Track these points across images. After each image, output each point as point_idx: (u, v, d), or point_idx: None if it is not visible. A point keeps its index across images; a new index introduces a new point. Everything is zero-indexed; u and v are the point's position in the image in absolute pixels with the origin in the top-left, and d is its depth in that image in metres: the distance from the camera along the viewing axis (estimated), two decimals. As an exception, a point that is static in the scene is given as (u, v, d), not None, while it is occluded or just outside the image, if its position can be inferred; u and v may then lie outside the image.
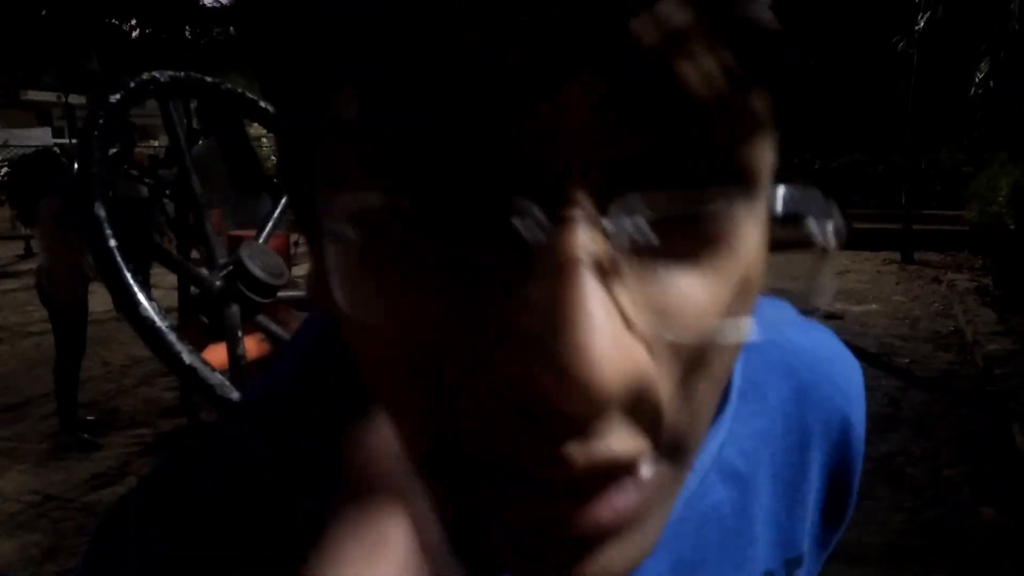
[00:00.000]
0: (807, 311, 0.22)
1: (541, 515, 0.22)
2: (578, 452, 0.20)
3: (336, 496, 0.26)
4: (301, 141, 0.23)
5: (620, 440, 0.21)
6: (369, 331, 0.22)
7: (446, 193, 0.19)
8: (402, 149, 0.19)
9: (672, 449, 0.23)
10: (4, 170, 10.23)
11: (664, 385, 0.21)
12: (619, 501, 0.21)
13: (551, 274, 0.19)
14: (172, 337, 1.30)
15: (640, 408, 0.21)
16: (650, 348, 0.20)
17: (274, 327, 1.65)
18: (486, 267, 0.20)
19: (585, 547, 0.22)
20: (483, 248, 0.20)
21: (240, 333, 1.55)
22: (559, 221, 0.19)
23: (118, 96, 1.38)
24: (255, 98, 1.65)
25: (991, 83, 8.26)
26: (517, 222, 0.19)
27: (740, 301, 0.22)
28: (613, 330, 0.19)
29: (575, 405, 0.19)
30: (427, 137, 0.19)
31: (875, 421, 3.57)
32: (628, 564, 0.23)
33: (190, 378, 1.30)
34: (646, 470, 0.22)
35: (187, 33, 11.20)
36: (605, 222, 0.19)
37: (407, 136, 0.19)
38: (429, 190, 0.19)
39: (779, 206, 0.22)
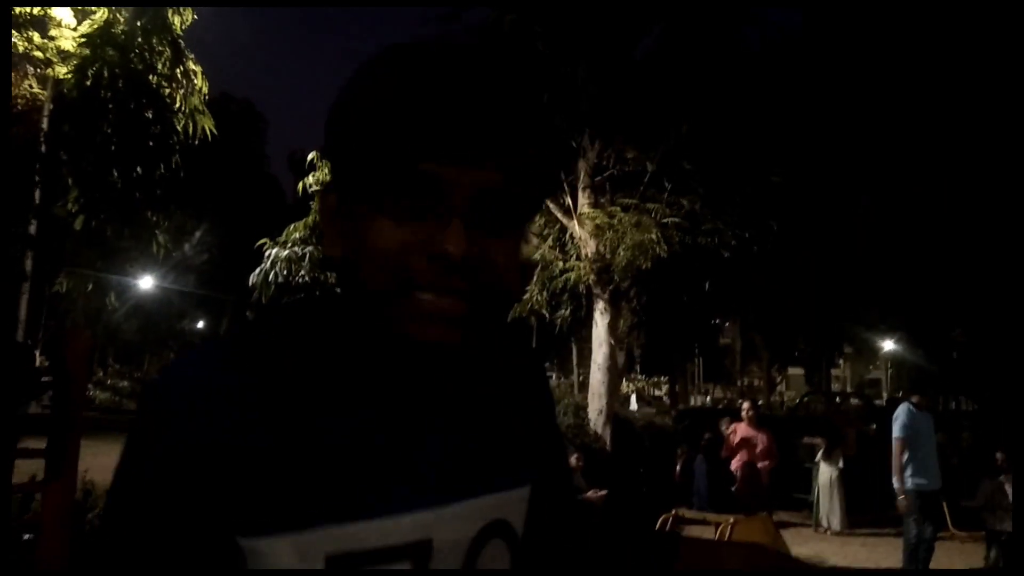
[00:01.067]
0: None
1: (436, 304, 0.61)
2: (453, 274, 0.61)
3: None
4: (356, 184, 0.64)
5: (462, 276, 0.61)
6: (373, 250, 0.61)
7: (423, 198, 0.61)
8: (406, 185, 0.61)
9: (479, 300, 0.63)
10: None
11: (480, 272, 0.62)
12: (458, 305, 0.62)
13: (454, 224, 0.60)
14: None
15: (472, 270, 0.61)
16: (478, 256, 0.61)
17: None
18: (430, 221, 0.61)
19: (447, 321, 0.62)
20: (431, 216, 0.61)
21: None
22: (455, 212, 0.61)
23: None
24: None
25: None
26: (441, 208, 0.61)
27: (512, 269, 0.65)
28: (468, 245, 0.60)
29: (453, 258, 0.60)
30: (416, 177, 0.61)
31: None
32: (455, 337, 0.62)
33: None
34: (468, 300, 0.62)
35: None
36: (473, 214, 0.61)
37: (410, 179, 0.61)
38: (419, 195, 0.61)
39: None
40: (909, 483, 5.84)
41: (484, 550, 0.69)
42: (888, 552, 7.49)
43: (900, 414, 6.03)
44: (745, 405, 8.35)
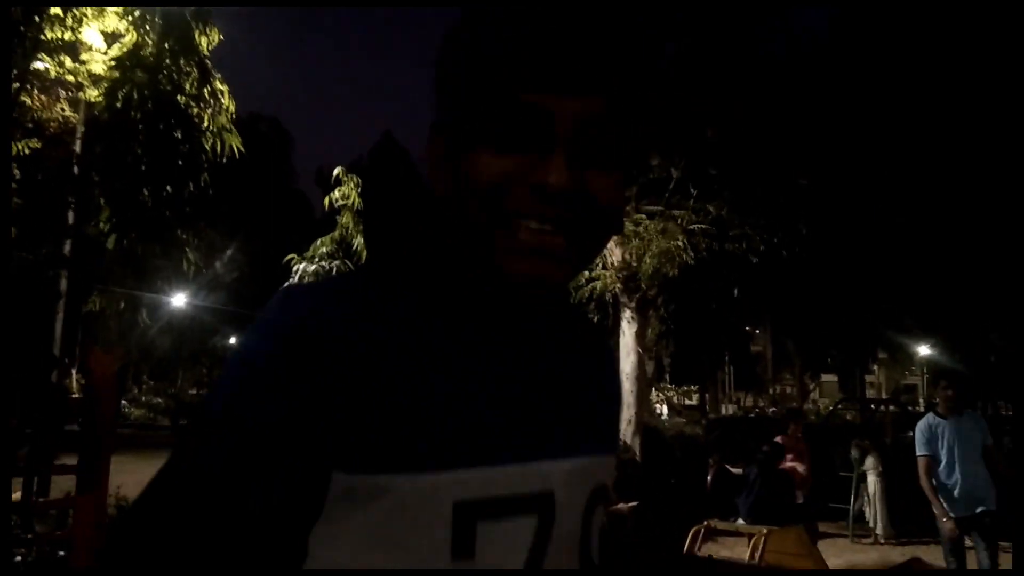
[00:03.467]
0: None
1: (537, 236, 0.61)
2: (555, 205, 0.61)
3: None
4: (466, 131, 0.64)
5: (564, 207, 0.61)
6: (475, 182, 0.62)
7: (526, 129, 0.62)
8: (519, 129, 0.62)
9: (580, 235, 0.63)
10: None
11: (582, 205, 0.62)
12: (559, 239, 0.62)
13: (556, 154, 0.61)
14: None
15: (573, 201, 0.61)
16: (579, 187, 0.62)
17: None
18: (533, 152, 0.62)
19: (548, 255, 0.62)
20: (534, 147, 0.62)
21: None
22: (558, 142, 0.61)
23: None
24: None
25: None
26: (544, 139, 0.61)
27: (614, 204, 0.66)
28: (570, 176, 0.61)
29: (554, 188, 0.60)
30: (518, 108, 0.61)
31: None
32: (555, 272, 0.63)
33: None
34: (569, 234, 0.62)
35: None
36: (576, 146, 0.62)
37: (513, 110, 0.61)
38: (521, 126, 0.61)
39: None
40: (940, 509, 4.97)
41: (594, 514, 0.68)
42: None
43: (918, 428, 5.25)
44: (791, 428, 8.44)
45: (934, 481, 5.00)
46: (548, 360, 0.69)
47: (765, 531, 5.94)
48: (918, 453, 5.09)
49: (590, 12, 0.62)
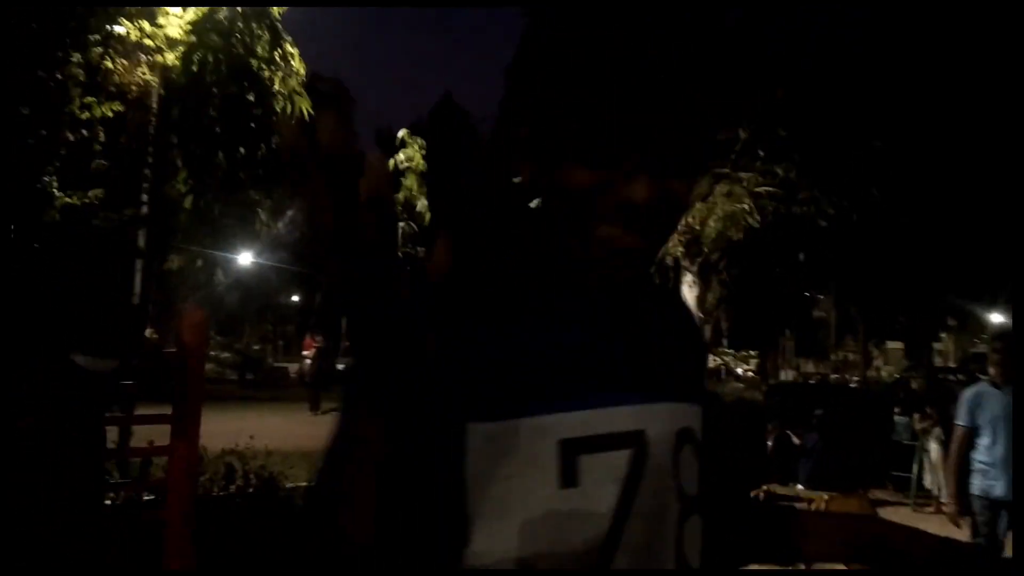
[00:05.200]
0: None
1: (620, 239, 0.67)
2: (638, 218, 0.67)
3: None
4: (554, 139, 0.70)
5: (646, 218, 0.67)
6: (563, 188, 0.68)
7: (613, 147, 0.67)
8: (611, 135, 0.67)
9: (657, 236, 0.71)
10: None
11: (660, 214, 0.68)
12: (639, 240, 0.68)
13: (642, 175, 0.66)
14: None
15: (654, 212, 0.67)
16: (659, 199, 0.67)
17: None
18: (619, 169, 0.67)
19: (628, 255, 0.69)
20: (620, 164, 0.67)
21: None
22: (642, 162, 0.67)
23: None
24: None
25: None
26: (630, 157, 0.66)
27: (685, 207, 0.72)
28: (651, 192, 0.66)
29: (639, 204, 0.66)
30: (606, 127, 0.66)
31: None
32: (634, 270, 0.71)
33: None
34: (647, 236, 0.69)
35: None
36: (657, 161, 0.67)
37: (602, 129, 0.67)
38: (608, 144, 0.67)
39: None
40: (977, 485, 4.45)
41: (682, 452, 0.76)
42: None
43: (964, 395, 4.67)
44: None
45: (972, 456, 4.49)
46: (634, 318, 0.78)
47: (827, 496, 5.93)
48: (957, 422, 4.61)
49: (674, 34, 0.69)
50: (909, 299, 24.87)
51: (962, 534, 4.52)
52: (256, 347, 35.83)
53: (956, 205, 13.31)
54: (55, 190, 4.86)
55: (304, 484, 4.92)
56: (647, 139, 0.67)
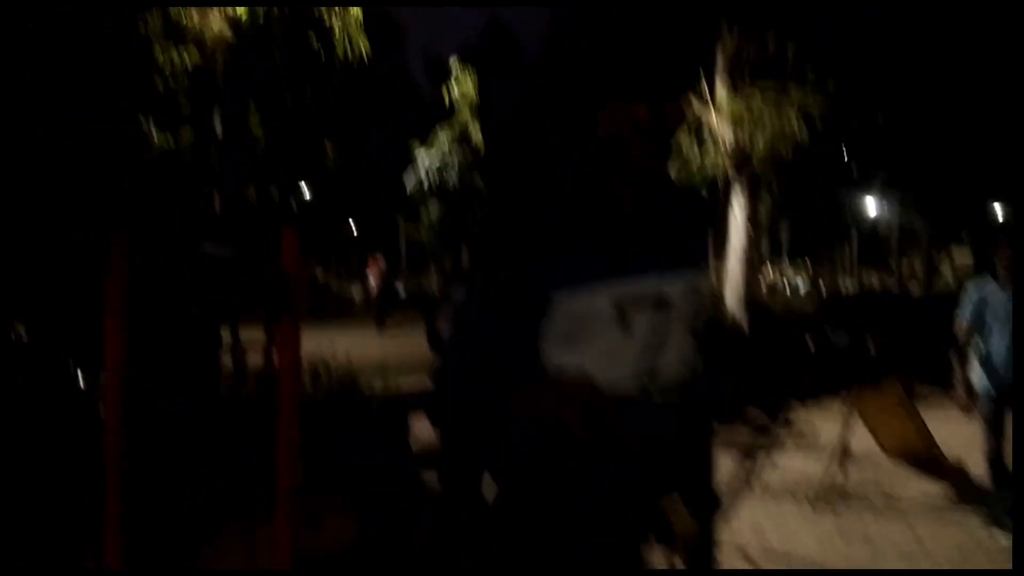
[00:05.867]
0: None
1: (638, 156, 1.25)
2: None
3: None
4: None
5: None
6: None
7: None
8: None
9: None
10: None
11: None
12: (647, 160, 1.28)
13: None
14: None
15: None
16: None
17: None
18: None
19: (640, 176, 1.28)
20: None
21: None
22: None
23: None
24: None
25: None
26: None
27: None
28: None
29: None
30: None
31: None
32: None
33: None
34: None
35: None
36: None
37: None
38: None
39: None
40: (978, 381, 4.59)
41: (696, 309, 1.31)
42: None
43: (967, 289, 4.76)
44: None
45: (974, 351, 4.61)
46: (654, 235, 1.30)
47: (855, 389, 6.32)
48: (958, 318, 4.67)
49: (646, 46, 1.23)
50: (969, 201, 24.22)
51: (973, 426, 4.93)
52: (319, 274, 37.22)
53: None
54: (153, 132, 5.50)
55: (379, 390, 5.67)
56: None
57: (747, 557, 4.33)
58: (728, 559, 4.20)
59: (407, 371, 6.70)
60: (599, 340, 1.19)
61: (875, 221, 34.79)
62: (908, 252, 35.35)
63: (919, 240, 29.93)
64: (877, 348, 7.53)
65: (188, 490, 3.36)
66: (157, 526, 3.16)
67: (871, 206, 31.54)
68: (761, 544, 4.58)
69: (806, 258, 33.01)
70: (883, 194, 27.63)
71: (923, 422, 6.47)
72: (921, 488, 5.63)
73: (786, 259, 32.29)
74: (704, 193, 11.86)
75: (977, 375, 4.59)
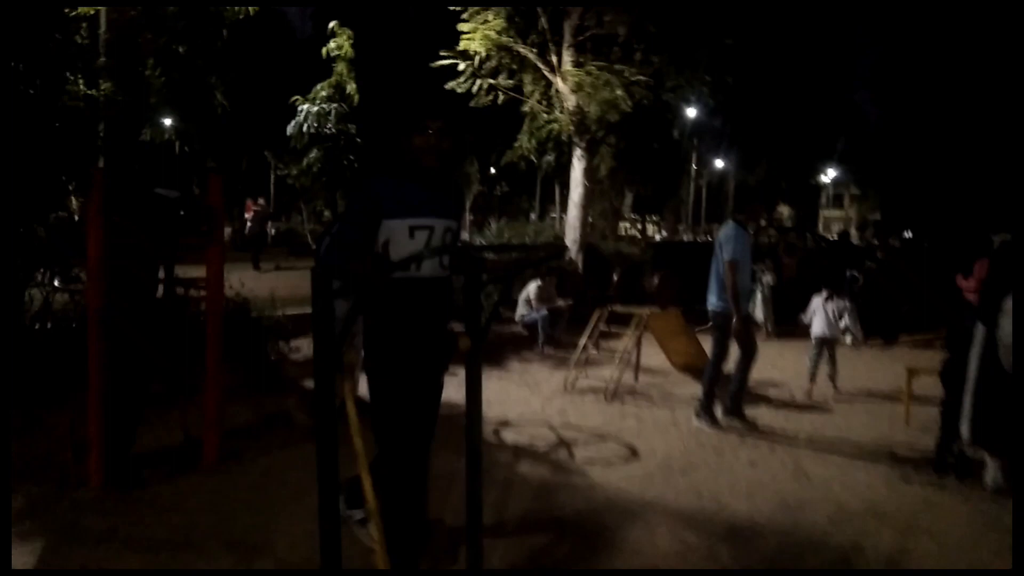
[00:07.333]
0: None
1: (433, 159, 3.24)
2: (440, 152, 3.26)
3: None
4: None
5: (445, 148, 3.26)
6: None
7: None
8: None
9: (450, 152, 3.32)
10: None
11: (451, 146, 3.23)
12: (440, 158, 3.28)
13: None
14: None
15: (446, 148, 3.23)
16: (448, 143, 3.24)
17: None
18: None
19: (437, 161, 3.27)
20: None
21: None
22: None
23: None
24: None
25: None
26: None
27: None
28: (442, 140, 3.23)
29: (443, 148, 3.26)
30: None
31: None
32: (440, 170, 3.31)
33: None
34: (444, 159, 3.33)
35: None
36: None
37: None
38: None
39: None
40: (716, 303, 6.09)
41: (447, 235, 3.15)
42: (799, 351, 9.59)
43: (731, 234, 5.99)
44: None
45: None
46: (439, 190, 3.13)
47: (648, 311, 8.34)
48: (727, 257, 5.89)
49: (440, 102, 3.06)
50: (794, 169, 27.68)
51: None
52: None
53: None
54: (82, 86, 6.45)
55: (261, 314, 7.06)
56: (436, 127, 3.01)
57: (551, 427, 6.16)
58: (537, 430, 6.07)
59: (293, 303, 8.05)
60: (400, 241, 2.99)
61: (719, 180, 38.49)
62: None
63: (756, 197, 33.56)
64: (662, 284, 9.65)
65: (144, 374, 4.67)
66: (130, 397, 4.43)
67: (717, 166, 34.96)
68: (562, 420, 6.43)
69: (655, 215, 36.31)
70: (727, 156, 30.78)
71: (698, 341, 8.59)
72: (691, 391, 7.55)
73: (635, 215, 35.45)
74: (551, 150, 13.71)
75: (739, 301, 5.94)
